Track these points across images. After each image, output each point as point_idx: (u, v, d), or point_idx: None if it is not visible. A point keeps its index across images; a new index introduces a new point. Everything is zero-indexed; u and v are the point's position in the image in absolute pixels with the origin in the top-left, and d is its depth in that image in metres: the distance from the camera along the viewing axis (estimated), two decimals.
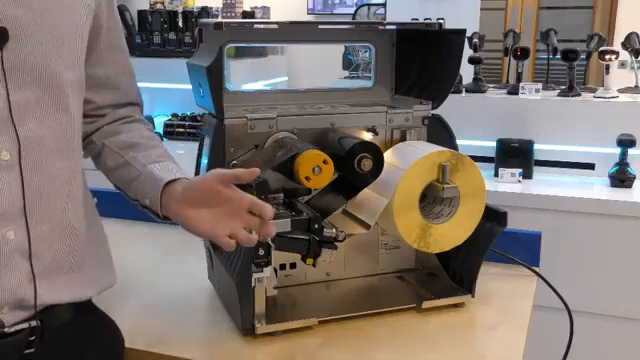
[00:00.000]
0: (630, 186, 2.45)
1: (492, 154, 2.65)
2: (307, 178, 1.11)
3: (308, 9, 5.19)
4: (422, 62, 1.36)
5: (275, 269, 1.22)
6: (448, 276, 1.33)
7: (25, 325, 0.90)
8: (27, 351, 0.91)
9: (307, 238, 1.10)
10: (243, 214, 0.94)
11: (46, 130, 0.90)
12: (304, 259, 1.12)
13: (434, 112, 1.33)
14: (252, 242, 0.94)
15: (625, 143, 2.43)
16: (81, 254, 0.97)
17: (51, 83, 0.90)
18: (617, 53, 2.66)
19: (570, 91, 2.68)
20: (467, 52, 2.77)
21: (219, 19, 3.92)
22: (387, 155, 1.23)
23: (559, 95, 2.70)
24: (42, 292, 0.91)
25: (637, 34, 2.71)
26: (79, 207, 0.97)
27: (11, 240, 0.87)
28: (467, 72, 2.85)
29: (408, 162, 1.18)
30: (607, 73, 2.65)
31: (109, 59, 1.07)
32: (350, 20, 4.76)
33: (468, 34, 2.81)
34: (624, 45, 2.73)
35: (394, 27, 1.40)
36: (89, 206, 1.03)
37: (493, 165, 2.62)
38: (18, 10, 0.86)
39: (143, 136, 1.10)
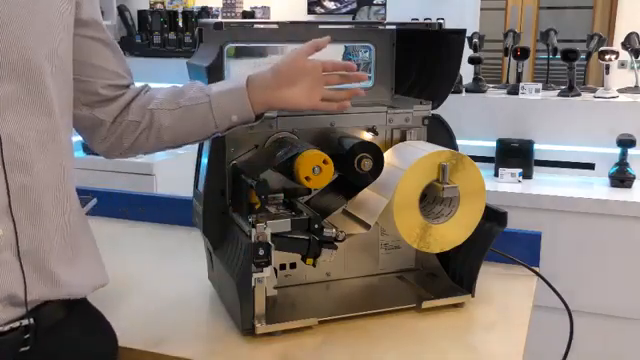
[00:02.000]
0: (630, 186, 2.45)
1: (492, 154, 2.65)
2: (307, 178, 1.11)
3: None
4: (422, 62, 1.36)
5: (275, 269, 1.22)
6: (448, 276, 1.33)
7: (18, 323, 0.90)
8: (22, 349, 0.91)
9: (307, 238, 1.10)
10: (321, 77, 1.10)
11: (28, 125, 0.89)
12: (304, 259, 1.12)
13: (434, 112, 1.33)
14: (355, 93, 1.15)
15: (625, 143, 2.44)
16: (72, 251, 0.97)
17: (30, 77, 0.88)
18: (617, 53, 2.66)
19: (570, 91, 2.68)
20: (467, 52, 2.77)
21: (219, 19, 3.92)
22: (387, 155, 1.23)
23: (559, 95, 2.70)
24: (32, 288, 0.90)
25: (637, 34, 2.71)
26: (68, 205, 0.96)
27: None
28: (467, 72, 2.85)
29: (408, 162, 1.18)
30: (607, 73, 2.65)
31: (98, 45, 1.06)
32: (350, 20, 4.76)
33: (468, 34, 2.81)
34: (624, 45, 2.73)
35: (394, 27, 1.40)
36: (78, 204, 1.03)
37: (493, 165, 2.62)
38: None
39: (174, 87, 1.13)
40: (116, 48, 1.11)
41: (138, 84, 1.14)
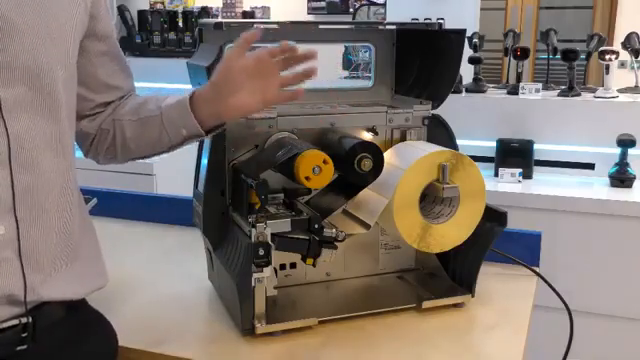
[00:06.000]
0: (630, 186, 2.45)
1: (492, 154, 2.65)
2: (307, 178, 1.11)
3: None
4: (422, 62, 1.36)
5: (275, 269, 1.22)
6: (448, 276, 1.33)
7: (16, 321, 0.90)
8: (19, 348, 0.91)
9: (307, 238, 1.10)
10: (272, 66, 1.01)
11: (37, 127, 0.90)
12: (304, 259, 1.12)
13: (434, 112, 1.33)
14: (308, 75, 1.02)
15: (625, 143, 2.43)
16: (72, 252, 0.98)
17: (42, 80, 0.90)
18: (617, 53, 2.66)
19: (570, 91, 2.68)
20: (467, 52, 2.77)
21: (219, 19, 3.93)
22: (387, 155, 1.23)
23: (559, 95, 2.70)
24: (32, 288, 0.91)
25: (637, 34, 2.71)
26: (71, 206, 0.97)
27: (1, 235, 0.87)
28: (467, 72, 2.85)
29: (408, 162, 1.17)
30: (607, 73, 2.65)
31: (107, 60, 1.09)
32: (350, 20, 4.76)
33: (468, 34, 2.80)
34: (624, 45, 2.73)
35: (394, 27, 1.40)
36: (81, 205, 1.03)
37: (493, 165, 2.62)
38: (8, 8, 0.86)
39: (144, 96, 1.13)
40: (122, 60, 1.13)
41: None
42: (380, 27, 1.46)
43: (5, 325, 0.89)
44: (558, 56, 2.79)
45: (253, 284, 1.09)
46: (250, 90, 1.01)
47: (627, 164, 2.46)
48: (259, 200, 1.10)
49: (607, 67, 2.65)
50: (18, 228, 0.89)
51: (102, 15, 1.03)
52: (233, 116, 1.05)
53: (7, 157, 0.87)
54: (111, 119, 1.11)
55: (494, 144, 2.66)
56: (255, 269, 1.07)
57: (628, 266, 2.31)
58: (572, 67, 2.71)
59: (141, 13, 4.03)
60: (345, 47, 3.86)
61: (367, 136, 1.28)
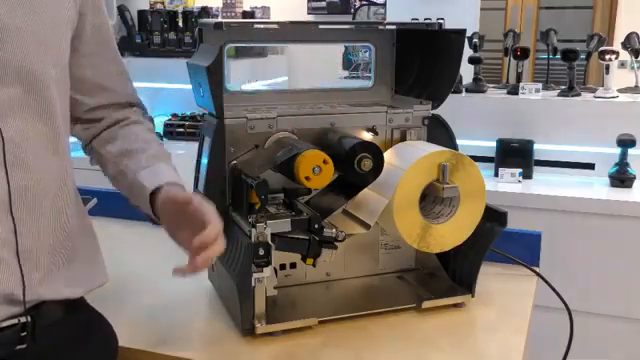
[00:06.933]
0: (630, 186, 2.45)
1: (492, 154, 2.65)
2: (307, 178, 1.11)
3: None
4: (422, 62, 1.36)
5: (275, 269, 1.22)
6: (448, 276, 1.33)
7: (15, 321, 0.90)
8: (18, 347, 0.91)
9: (307, 238, 1.10)
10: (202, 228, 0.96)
11: (31, 127, 0.90)
12: (304, 259, 1.12)
13: (434, 112, 1.33)
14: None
15: (625, 143, 2.43)
16: (71, 251, 0.98)
17: (34, 82, 0.89)
18: (617, 53, 2.66)
19: (570, 91, 2.68)
20: (467, 52, 2.77)
21: (219, 19, 3.93)
22: (387, 155, 1.23)
23: (559, 95, 2.70)
24: (30, 287, 0.91)
25: (637, 34, 2.71)
26: (69, 205, 0.97)
27: None
28: (467, 72, 2.85)
29: (408, 162, 1.18)
30: (607, 73, 2.65)
31: (97, 60, 1.07)
32: (350, 20, 4.76)
33: (468, 34, 2.80)
34: (624, 45, 2.73)
35: (394, 27, 1.40)
36: (79, 205, 1.03)
37: (493, 165, 2.62)
38: (0, 11, 0.86)
39: (138, 139, 1.10)
40: (116, 61, 1.12)
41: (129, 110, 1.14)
42: (380, 27, 1.46)
43: (4, 324, 0.89)
44: (558, 56, 2.79)
45: (253, 284, 1.09)
46: (188, 235, 0.98)
47: (627, 164, 2.46)
48: (259, 200, 1.10)
49: (607, 67, 2.65)
50: (15, 227, 0.89)
51: (89, 13, 1.02)
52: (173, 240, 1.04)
53: (2, 157, 0.87)
54: (101, 147, 1.11)
55: (494, 144, 2.66)
56: (255, 269, 1.07)
57: (628, 266, 2.31)
58: (572, 67, 2.71)
59: (141, 13, 4.02)
60: (345, 47, 3.87)
61: (367, 136, 1.28)
